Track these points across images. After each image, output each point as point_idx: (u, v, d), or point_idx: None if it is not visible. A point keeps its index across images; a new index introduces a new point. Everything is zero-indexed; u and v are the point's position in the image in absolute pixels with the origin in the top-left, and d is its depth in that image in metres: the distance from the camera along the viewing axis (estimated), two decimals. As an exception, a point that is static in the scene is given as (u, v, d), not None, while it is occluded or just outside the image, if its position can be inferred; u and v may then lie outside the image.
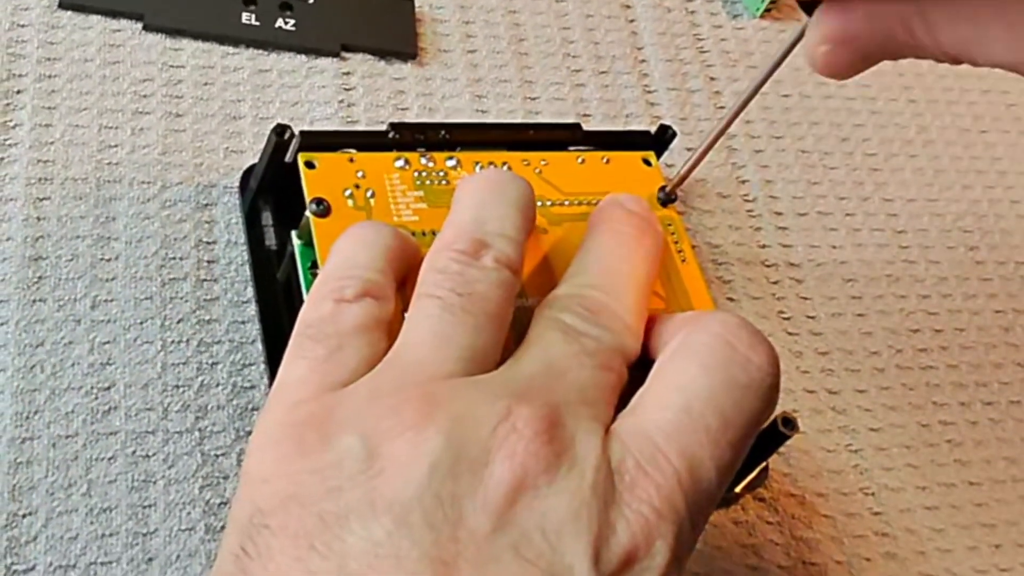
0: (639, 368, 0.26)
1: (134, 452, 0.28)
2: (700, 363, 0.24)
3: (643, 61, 0.40)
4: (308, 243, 0.30)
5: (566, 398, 0.24)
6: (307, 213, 0.30)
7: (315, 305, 0.25)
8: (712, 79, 0.41)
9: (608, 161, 0.33)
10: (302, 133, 0.31)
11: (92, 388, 0.29)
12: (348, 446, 0.22)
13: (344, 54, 0.37)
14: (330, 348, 0.24)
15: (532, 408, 0.23)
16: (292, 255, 0.30)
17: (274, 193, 0.32)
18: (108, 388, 0.29)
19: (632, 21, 0.41)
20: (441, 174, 0.32)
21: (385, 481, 0.22)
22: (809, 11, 0.24)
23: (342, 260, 0.26)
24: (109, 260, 0.31)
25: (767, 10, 0.43)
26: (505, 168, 0.32)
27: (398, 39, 0.38)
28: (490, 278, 0.26)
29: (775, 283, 0.37)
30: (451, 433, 0.22)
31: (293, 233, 0.30)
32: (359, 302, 0.25)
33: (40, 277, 0.30)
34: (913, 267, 0.39)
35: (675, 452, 0.23)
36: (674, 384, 0.24)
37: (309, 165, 0.31)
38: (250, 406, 0.30)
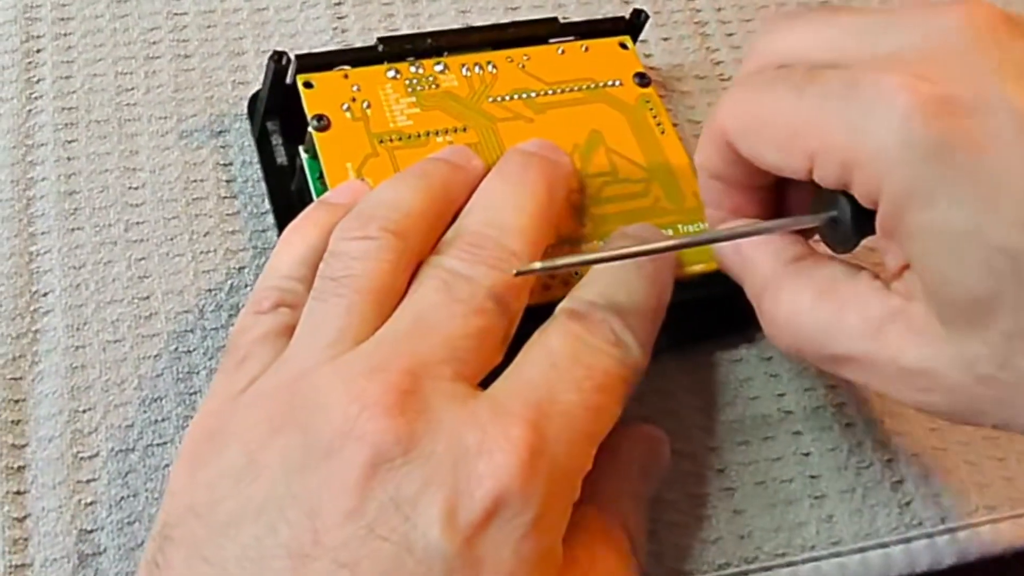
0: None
1: (176, 349, 0.31)
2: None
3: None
4: (314, 156, 0.32)
5: (430, 357, 0.24)
6: (309, 129, 0.32)
7: (239, 320, 0.27)
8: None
9: (587, 49, 0.36)
10: (298, 56, 0.33)
11: (133, 298, 0.32)
12: (231, 457, 0.23)
13: (334, -19, 0.40)
14: (237, 359, 0.26)
15: (384, 383, 0.23)
16: (302, 168, 0.33)
17: (279, 114, 0.35)
18: (147, 297, 0.32)
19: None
20: (431, 79, 0.34)
21: (256, 488, 0.23)
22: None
23: (267, 270, 0.28)
24: (136, 188, 0.34)
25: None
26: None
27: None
28: (367, 250, 0.26)
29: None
30: (307, 427, 0.23)
31: (300, 148, 0.33)
32: (272, 312, 0.27)
33: (76, 208, 0.33)
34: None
35: (529, 404, 0.24)
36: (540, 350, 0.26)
37: (307, 85, 0.33)
38: (276, 303, 0.33)
